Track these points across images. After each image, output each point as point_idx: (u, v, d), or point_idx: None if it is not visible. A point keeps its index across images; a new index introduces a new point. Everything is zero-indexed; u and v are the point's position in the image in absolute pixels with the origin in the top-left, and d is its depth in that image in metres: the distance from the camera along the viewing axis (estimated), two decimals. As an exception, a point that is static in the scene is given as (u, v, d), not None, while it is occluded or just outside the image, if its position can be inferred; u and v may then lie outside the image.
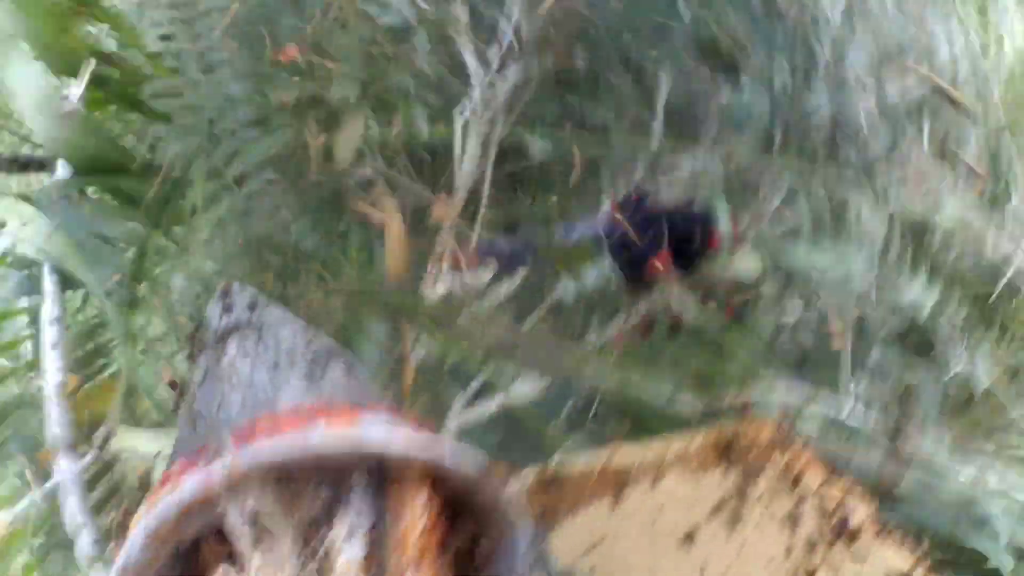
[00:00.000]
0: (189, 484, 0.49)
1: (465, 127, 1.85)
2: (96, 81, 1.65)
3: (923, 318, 1.63)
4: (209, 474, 0.48)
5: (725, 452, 0.87)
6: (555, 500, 0.96)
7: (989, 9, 2.03)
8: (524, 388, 1.73)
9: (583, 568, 0.88)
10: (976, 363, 1.78)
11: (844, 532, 0.72)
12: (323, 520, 0.53)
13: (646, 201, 1.85)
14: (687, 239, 1.67)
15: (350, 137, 1.68)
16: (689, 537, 0.84)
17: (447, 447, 0.55)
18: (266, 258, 1.56)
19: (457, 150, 1.86)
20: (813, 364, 1.62)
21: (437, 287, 1.77)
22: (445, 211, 1.89)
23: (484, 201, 2.06)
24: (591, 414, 1.49)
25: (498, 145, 2.01)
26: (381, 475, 0.55)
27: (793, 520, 0.76)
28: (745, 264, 1.46)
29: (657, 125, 2.08)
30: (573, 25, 2.13)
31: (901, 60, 2.17)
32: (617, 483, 0.94)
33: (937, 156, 2.09)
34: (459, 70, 2.01)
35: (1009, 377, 2.02)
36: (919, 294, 1.52)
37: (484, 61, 1.88)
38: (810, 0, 1.85)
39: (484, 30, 2.03)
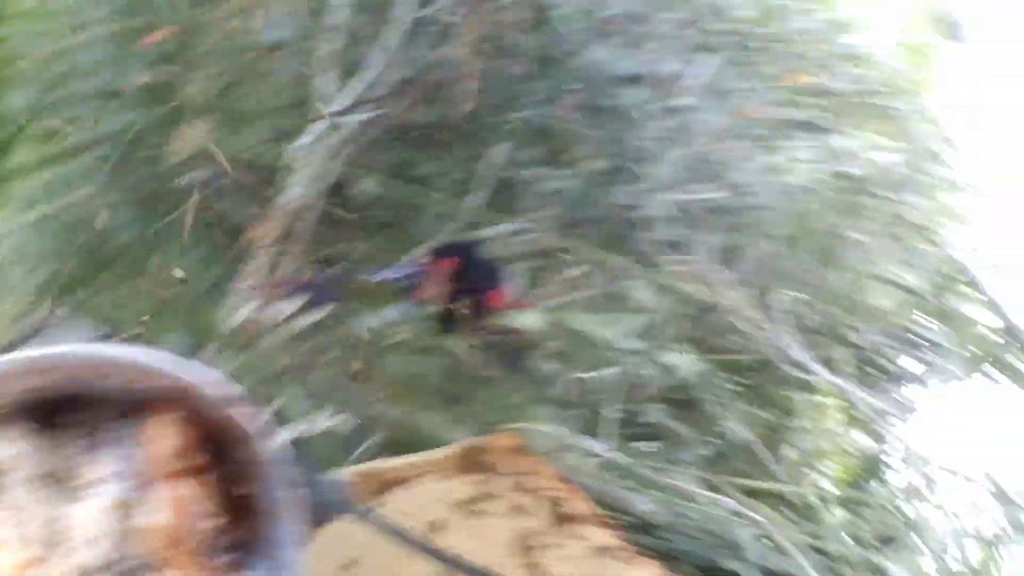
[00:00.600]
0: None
1: (300, 157, 1.93)
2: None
3: (692, 383, 1.87)
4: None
5: (474, 459, 0.98)
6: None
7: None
8: (320, 421, 1.80)
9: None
10: (735, 422, 2.06)
11: (562, 519, 0.85)
12: (78, 465, 0.53)
13: (456, 252, 2.02)
14: (479, 291, 1.87)
15: (190, 136, 1.69)
16: (435, 526, 0.93)
17: (195, 366, 0.56)
18: (74, 241, 1.51)
19: (287, 177, 1.94)
20: (580, 411, 1.81)
21: (240, 310, 1.80)
22: (263, 232, 1.93)
23: (305, 230, 2.12)
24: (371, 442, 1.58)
25: (330, 182, 2.11)
26: (134, 412, 0.55)
27: (525, 511, 0.88)
28: (528, 321, 1.64)
29: (480, 190, 2.28)
30: (428, 83, 2.30)
31: (705, 173, 2.53)
32: (378, 488, 1.03)
33: (720, 258, 2.43)
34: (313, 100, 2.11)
35: (764, 436, 2.34)
36: (684, 362, 1.75)
37: (332, 96, 1.98)
38: (637, 112, 2.13)
39: (347, 69, 2.15)
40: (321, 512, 0.66)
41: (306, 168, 1.99)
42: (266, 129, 1.96)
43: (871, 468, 2.51)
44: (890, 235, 2.21)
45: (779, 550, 1.59)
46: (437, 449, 1.06)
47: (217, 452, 0.58)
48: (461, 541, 0.90)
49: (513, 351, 1.80)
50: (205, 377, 0.56)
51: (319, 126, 2.03)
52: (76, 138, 1.62)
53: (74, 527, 0.50)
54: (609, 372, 1.87)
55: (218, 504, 0.56)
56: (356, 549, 0.88)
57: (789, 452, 2.48)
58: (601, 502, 1.59)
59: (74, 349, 0.53)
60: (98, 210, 1.70)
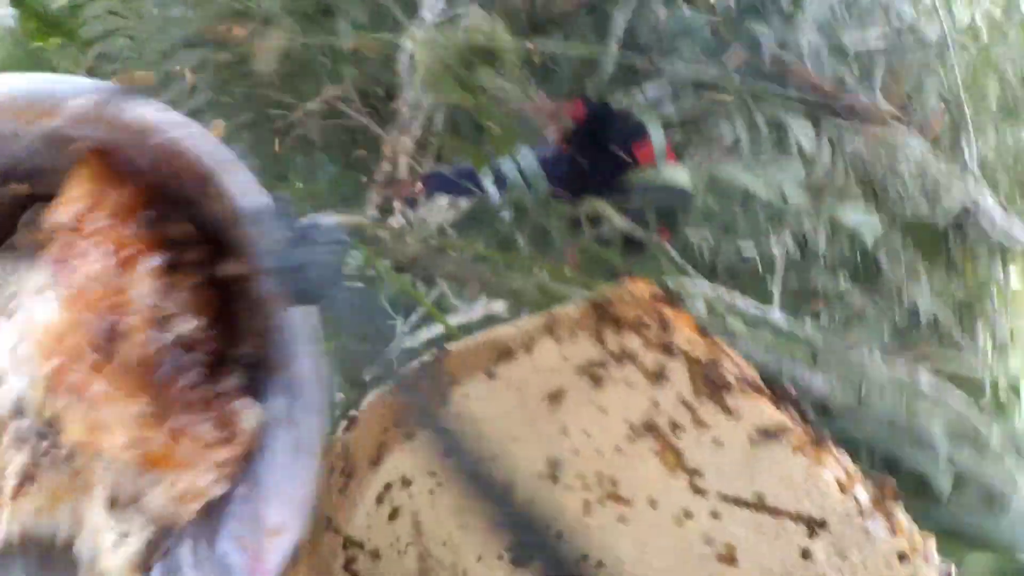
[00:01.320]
0: None
1: (411, 59, 1.76)
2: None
3: (869, 246, 1.57)
4: None
5: (601, 314, 0.77)
6: (435, 382, 0.87)
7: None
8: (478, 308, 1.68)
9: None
10: (922, 295, 1.75)
11: (715, 388, 0.63)
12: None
13: (592, 111, 1.79)
14: (621, 150, 1.63)
15: (269, 44, 1.58)
16: (555, 398, 0.74)
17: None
18: None
19: (404, 76, 1.78)
20: (744, 278, 1.57)
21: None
22: (397, 144, 1.79)
23: (433, 131, 1.95)
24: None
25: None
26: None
27: (661, 376, 0.67)
28: (675, 175, 1.38)
29: (612, 43, 1.99)
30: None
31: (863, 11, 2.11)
32: (492, 357, 0.85)
33: (893, 101, 2.03)
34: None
35: (956, 312, 2.00)
36: (859, 219, 1.45)
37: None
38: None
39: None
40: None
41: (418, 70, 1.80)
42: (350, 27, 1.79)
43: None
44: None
45: (976, 445, 1.32)
46: (561, 306, 0.85)
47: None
48: (587, 416, 0.71)
49: (662, 210, 1.56)
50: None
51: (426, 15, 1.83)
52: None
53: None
54: (772, 233, 1.60)
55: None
56: (562, 377, 0.71)
57: (983, 334, 2.13)
58: (768, 374, 1.36)
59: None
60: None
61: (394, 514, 0.75)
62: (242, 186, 0.43)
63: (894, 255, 1.74)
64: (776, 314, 1.22)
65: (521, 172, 1.51)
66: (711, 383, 0.63)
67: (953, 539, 1.22)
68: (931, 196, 1.73)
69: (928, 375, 1.37)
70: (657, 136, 1.50)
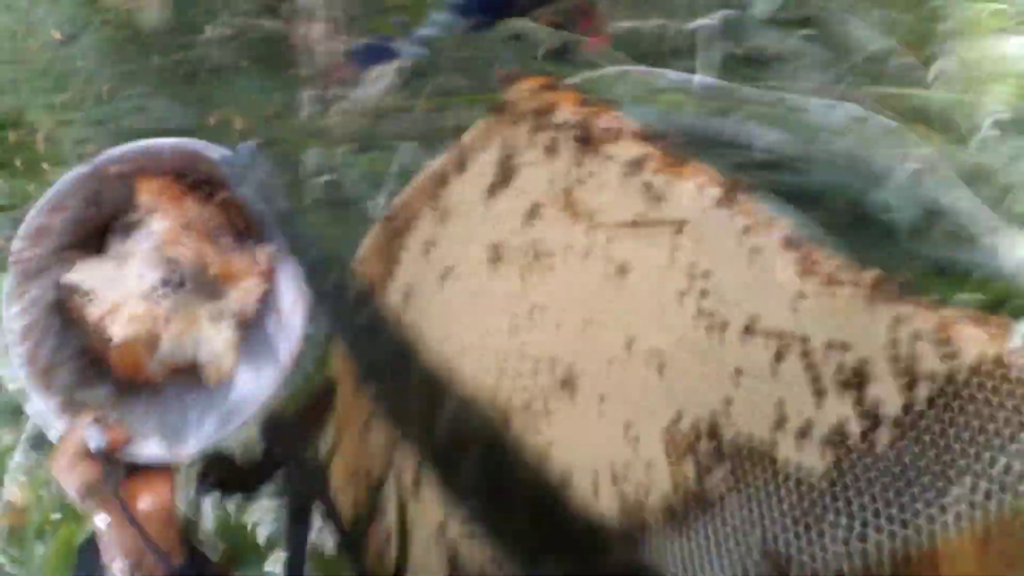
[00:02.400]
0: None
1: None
2: None
3: None
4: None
5: (504, 114, 0.90)
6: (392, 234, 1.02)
7: None
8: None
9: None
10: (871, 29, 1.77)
11: (591, 143, 0.76)
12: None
13: None
14: None
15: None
16: (491, 193, 0.89)
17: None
18: None
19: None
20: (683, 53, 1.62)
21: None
22: (309, 34, 1.82)
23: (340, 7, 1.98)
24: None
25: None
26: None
27: (553, 149, 0.80)
28: None
29: None
30: None
31: None
32: (433, 187, 0.99)
33: None
34: None
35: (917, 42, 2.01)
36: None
37: None
38: None
39: None
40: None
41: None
42: None
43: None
44: None
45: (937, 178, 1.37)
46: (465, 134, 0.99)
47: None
48: (508, 203, 0.86)
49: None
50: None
51: None
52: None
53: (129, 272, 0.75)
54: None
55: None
56: (488, 178, 0.87)
57: (942, 66, 2.13)
58: (712, 141, 1.45)
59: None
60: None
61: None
62: (212, 151, 0.76)
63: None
64: (704, 79, 1.30)
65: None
66: (587, 139, 0.76)
67: (935, 278, 1.31)
68: None
69: (879, 114, 1.43)
70: None
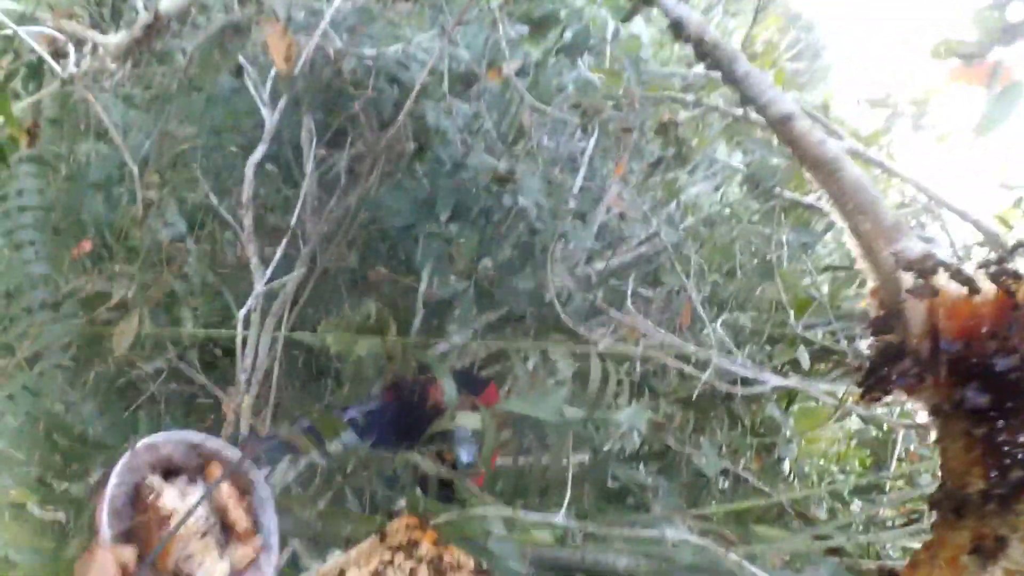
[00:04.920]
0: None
1: (247, 323, 2.10)
2: None
3: (644, 432, 1.93)
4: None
5: (383, 540, 1.10)
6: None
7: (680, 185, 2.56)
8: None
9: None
10: (708, 457, 2.09)
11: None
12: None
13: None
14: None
15: (126, 331, 1.86)
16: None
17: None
18: (54, 438, 1.66)
19: (239, 347, 2.12)
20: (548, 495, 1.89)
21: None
22: (238, 403, 2.10)
23: (272, 394, 2.30)
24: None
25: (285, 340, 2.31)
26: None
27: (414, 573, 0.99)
28: (467, 420, 1.74)
29: (417, 319, 2.47)
30: (344, 229, 2.52)
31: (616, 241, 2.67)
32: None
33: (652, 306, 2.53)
34: (236, 274, 2.31)
35: (759, 456, 2.35)
36: (627, 415, 1.82)
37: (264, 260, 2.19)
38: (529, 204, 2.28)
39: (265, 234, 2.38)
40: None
41: (256, 334, 2.16)
42: (188, 311, 2.15)
43: (878, 452, 2.51)
44: (804, 224, 2.30)
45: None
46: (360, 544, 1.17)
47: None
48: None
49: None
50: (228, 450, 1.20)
51: (258, 289, 2.21)
52: (29, 347, 1.82)
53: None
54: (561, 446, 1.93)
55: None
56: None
57: (788, 465, 2.50)
58: (576, 568, 1.64)
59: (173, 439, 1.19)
60: (73, 405, 1.88)
61: None
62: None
63: (679, 431, 2.12)
64: (563, 519, 1.51)
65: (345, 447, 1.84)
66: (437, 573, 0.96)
67: None
68: (687, 375, 2.15)
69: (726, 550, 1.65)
70: (449, 387, 1.86)
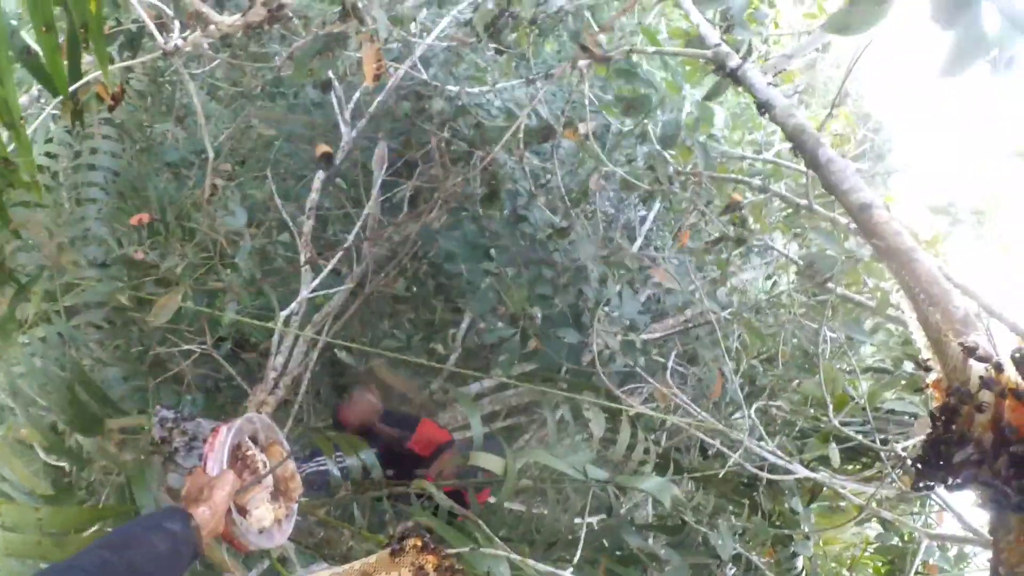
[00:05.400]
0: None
1: (286, 327, 2.13)
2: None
3: (668, 506, 1.89)
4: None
5: (393, 559, 1.09)
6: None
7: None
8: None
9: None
10: (723, 540, 2.04)
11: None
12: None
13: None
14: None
15: (167, 304, 1.88)
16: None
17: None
18: (75, 391, 1.68)
19: (274, 346, 2.15)
20: (557, 548, 1.85)
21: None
22: (261, 400, 2.13)
23: (300, 399, 2.31)
24: None
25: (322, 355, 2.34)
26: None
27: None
28: (489, 461, 1.72)
29: (453, 356, 2.48)
30: (399, 256, 2.56)
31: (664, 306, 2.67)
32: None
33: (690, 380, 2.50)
34: (284, 277, 2.36)
35: (774, 554, 2.27)
36: (652, 485, 1.79)
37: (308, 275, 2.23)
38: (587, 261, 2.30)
39: (320, 245, 2.43)
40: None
41: (293, 340, 2.19)
42: (248, 303, 2.18)
43: (895, 559, 2.42)
44: (855, 320, 2.27)
45: None
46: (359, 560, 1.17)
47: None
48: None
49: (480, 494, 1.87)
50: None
51: (303, 296, 2.24)
52: (70, 298, 1.86)
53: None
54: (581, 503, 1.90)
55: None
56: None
57: (802, 564, 2.42)
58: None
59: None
60: (99, 364, 1.91)
61: None
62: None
63: (698, 510, 2.07)
64: (568, 573, 1.49)
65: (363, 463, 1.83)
66: None
67: None
68: (717, 454, 2.10)
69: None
70: (476, 423, 1.86)
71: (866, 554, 2.45)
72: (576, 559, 1.61)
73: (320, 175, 2.31)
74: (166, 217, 2.12)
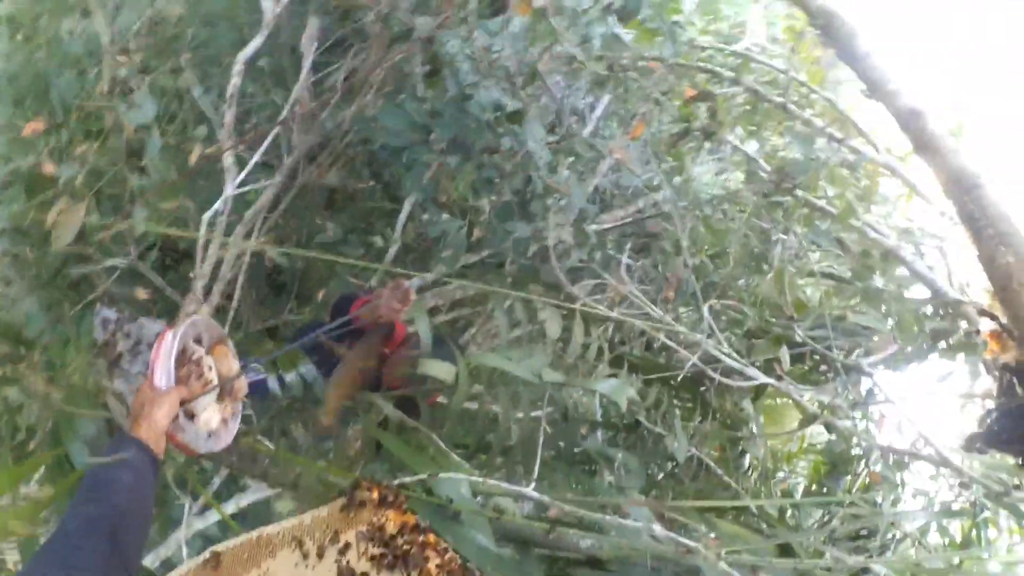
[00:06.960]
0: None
1: (211, 231, 1.94)
2: None
3: (623, 407, 1.85)
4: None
5: (345, 513, 1.00)
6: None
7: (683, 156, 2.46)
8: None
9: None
10: (677, 442, 2.04)
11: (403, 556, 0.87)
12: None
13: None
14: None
15: (67, 221, 1.69)
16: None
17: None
18: None
19: (199, 253, 1.96)
20: (514, 453, 1.82)
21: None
22: (195, 308, 1.97)
23: (235, 303, 2.16)
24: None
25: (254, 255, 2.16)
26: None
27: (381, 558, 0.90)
28: (439, 369, 1.63)
29: (393, 249, 2.34)
30: (332, 145, 2.35)
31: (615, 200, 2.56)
32: (263, 554, 1.05)
33: (637, 273, 2.44)
34: (204, 175, 2.14)
35: (722, 451, 2.31)
36: (608, 387, 1.74)
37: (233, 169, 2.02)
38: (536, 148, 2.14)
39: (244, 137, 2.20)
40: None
41: (219, 245, 2.00)
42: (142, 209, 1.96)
43: (837, 463, 2.50)
44: (810, 225, 2.22)
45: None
46: (309, 513, 1.08)
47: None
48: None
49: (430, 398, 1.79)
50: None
51: (228, 194, 2.04)
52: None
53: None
54: (535, 410, 1.84)
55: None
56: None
57: (749, 461, 2.47)
58: (539, 544, 1.59)
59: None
60: (14, 298, 1.74)
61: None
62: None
63: (652, 411, 2.05)
64: (531, 490, 1.45)
65: (303, 378, 1.73)
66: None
67: None
68: (662, 347, 2.06)
69: (693, 513, 1.59)
70: (423, 326, 1.74)
71: (808, 456, 2.52)
72: (536, 471, 1.57)
73: (241, 56, 2.05)
74: (69, 121, 1.86)
